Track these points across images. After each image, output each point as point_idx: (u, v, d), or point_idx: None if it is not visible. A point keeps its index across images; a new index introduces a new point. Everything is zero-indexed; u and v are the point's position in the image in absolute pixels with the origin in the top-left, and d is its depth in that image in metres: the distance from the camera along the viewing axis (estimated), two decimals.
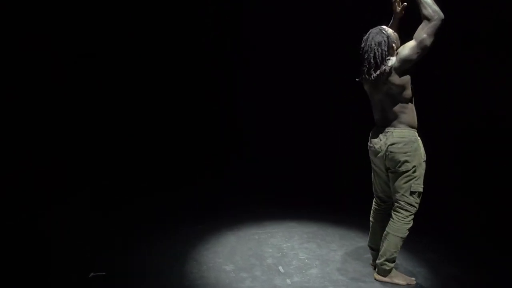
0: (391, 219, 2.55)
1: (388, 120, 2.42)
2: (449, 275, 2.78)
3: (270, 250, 3.16)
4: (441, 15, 2.19)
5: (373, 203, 2.76)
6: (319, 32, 5.18)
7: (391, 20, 2.56)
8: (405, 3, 2.44)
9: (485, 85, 3.95)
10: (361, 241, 3.34)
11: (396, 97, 2.36)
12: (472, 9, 3.73)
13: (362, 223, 3.65)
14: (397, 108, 2.37)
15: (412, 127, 2.41)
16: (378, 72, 2.30)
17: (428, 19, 2.20)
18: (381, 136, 2.44)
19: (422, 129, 2.48)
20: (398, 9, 2.47)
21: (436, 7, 2.20)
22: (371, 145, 2.53)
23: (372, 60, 2.31)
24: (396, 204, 2.51)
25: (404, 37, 2.40)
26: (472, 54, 4.00)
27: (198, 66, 5.56)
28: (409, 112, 2.40)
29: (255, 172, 5.29)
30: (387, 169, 2.49)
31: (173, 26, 5.36)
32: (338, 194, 4.62)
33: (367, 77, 2.37)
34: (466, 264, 2.94)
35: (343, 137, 5.16)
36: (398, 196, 2.47)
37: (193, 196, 4.53)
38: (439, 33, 2.20)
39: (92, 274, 2.73)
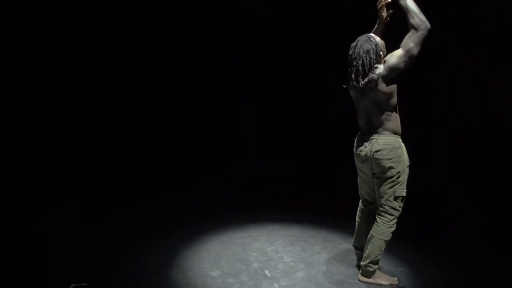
0: (375, 222, 2.61)
1: (373, 127, 2.47)
2: (430, 275, 2.87)
3: (255, 254, 3.17)
4: (428, 25, 2.25)
5: (360, 203, 2.83)
6: (319, 32, 5.23)
7: (376, 26, 2.62)
8: (391, 10, 2.50)
9: (485, 85, 3.96)
10: (343, 243, 3.41)
11: (382, 104, 2.41)
12: (472, 9, 3.71)
13: (344, 226, 3.75)
14: (382, 115, 2.42)
15: (396, 133, 2.47)
16: (366, 80, 2.35)
17: (415, 29, 2.26)
18: (366, 143, 2.49)
19: (422, 131, 2.54)
20: (384, 15, 2.52)
21: (423, 17, 2.26)
22: (356, 152, 2.58)
23: (360, 68, 2.35)
24: (381, 208, 2.57)
25: (389, 43, 2.47)
26: (472, 54, 3.98)
27: (198, 66, 5.57)
28: (394, 120, 2.45)
29: (247, 174, 5.35)
30: (373, 174, 2.54)
31: (173, 26, 5.36)
32: (321, 197, 4.69)
33: (354, 84, 2.41)
34: (447, 264, 3.03)
35: (341, 139, 5.19)
36: (382, 200, 2.53)
37: (178, 201, 4.49)
38: (426, 42, 2.26)
39: (73, 285, 2.65)
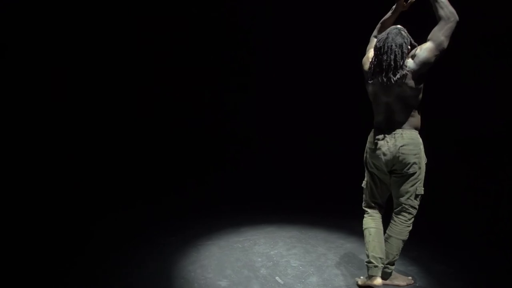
0: (392, 221, 2.51)
1: (395, 123, 2.34)
2: (441, 271, 2.83)
3: (260, 259, 2.98)
4: (457, 17, 2.16)
5: (370, 213, 2.57)
6: (318, 33, 5.09)
7: (389, 13, 2.50)
8: None
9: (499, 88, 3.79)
10: (346, 243, 3.31)
11: (409, 100, 2.29)
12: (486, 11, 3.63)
13: (342, 225, 3.67)
14: (407, 111, 2.31)
15: (417, 129, 2.37)
16: (398, 75, 2.20)
17: (445, 20, 2.16)
18: (387, 138, 2.34)
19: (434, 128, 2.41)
20: (405, 4, 2.42)
21: (452, 8, 2.16)
22: (374, 147, 2.41)
23: (392, 63, 2.20)
24: (400, 208, 2.46)
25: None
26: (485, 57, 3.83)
27: (192, 70, 5.28)
28: (417, 116, 2.36)
29: (235, 176, 5.12)
30: (392, 172, 2.42)
31: (167, 27, 5.07)
32: (314, 197, 4.58)
33: (384, 79, 2.24)
34: (456, 261, 2.99)
35: (330, 139, 5.11)
36: (403, 199, 2.42)
37: (166, 207, 4.19)
38: (453, 35, 2.18)
39: None
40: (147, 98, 5.12)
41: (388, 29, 2.30)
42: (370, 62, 2.36)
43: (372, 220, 2.54)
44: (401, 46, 2.21)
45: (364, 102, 2.70)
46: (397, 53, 2.19)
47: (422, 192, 2.41)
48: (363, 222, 2.57)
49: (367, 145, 2.51)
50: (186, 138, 5.35)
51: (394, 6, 2.51)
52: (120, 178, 4.75)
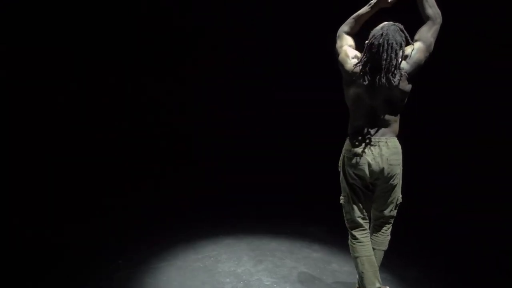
0: (374, 234, 2.36)
1: (379, 129, 2.15)
2: (415, 279, 2.78)
3: (228, 279, 2.65)
4: (441, 19, 2.07)
5: (362, 236, 2.27)
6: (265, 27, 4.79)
7: (367, 7, 2.21)
8: None
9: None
10: (311, 252, 3.14)
11: (396, 104, 2.11)
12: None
13: (303, 232, 3.50)
14: (391, 116, 2.14)
15: (397, 136, 2.21)
16: (397, 76, 2.01)
17: (433, 20, 2.04)
18: (371, 147, 2.14)
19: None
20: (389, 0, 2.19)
21: (438, 9, 2.06)
22: (354, 156, 2.17)
23: (393, 62, 1.99)
24: (381, 220, 2.32)
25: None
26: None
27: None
28: (398, 122, 2.19)
29: (180, 183, 4.61)
30: (373, 183, 2.21)
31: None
32: (266, 203, 4.23)
33: (382, 80, 2.00)
34: (429, 268, 2.94)
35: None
36: (386, 212, 2.27)
37: (100, 226, 3.51)
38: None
39: None
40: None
41: (384, 25, 2.04)
42: (359, 61, 2.11)
43: (362, 247, 2.25)
44: (401, 44, 2.01)
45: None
46: (397, 51, 2.00)
47: (401, 200, 2.30)
48: (353, 249, 2.27)
49: (345, 153, 2.23)
50: (122, 141, 4.74)
51: (373, 1, 2.23)
52: (45, 192, 3.99)
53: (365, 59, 2.07)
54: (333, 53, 2.25)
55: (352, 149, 2.19)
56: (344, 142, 2.26)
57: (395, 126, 2.18)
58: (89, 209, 3.84)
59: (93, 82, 4.61)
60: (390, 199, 2.23)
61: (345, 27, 2.26)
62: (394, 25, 2.03)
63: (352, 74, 2.12)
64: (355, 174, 2.20)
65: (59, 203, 3.85)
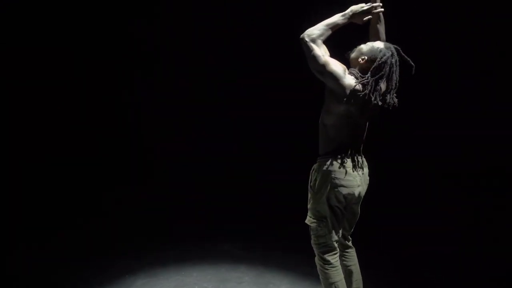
0: (350, 254, 2.28)
1: (358, 148, 2.14)
2: None
3: None
4: None
5: (334, 256, 2.15)
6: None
7: (341, 18, 2.05)
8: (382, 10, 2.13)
9: None
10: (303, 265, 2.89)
11: (373, 122, 2.16)
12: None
13: (261, 253, 3.28)
14: (365, 134, 2.16)
15: None
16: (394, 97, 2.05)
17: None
18: (358, 167, 2.11)
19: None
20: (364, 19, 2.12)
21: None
22: (348, 177, 2.05)
23: (397, 83, 2.02)
24: (347, 234, 2.28)
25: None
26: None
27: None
28: None
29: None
30: (356, 199, 2.15)
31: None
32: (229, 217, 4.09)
33: (392, 99, 2.02)
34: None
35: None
36: (354, 225, 2.28)
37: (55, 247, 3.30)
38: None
39: None
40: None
41: (388, 45, 2.02)
42: (365, 78, 1.98)
43: (336, 272, 2.13)
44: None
45: None
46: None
47: None
48: (326, 275, 2.13)
49: (333, 174, 2.04)
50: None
51: (348, 13, 2.08)
52: None
53: (379, 77, 1.98)
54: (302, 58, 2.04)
55: (342, 169, 2.05)
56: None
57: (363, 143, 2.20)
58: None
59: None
60: (359, 211, 2.23)
61: (317, 32, 2.01)
62: (393, 46, 2.04)
63: (352, 91, 1.97)
64: (344, 196, 2.06)
65: None
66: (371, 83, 1.97)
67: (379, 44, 2.01)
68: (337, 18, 2.05)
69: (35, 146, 4.43)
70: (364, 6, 2.07)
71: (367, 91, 1.96)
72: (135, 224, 3.88)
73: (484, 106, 4.03)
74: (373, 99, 1.98)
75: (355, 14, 2.07)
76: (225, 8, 4.54)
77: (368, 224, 2.24)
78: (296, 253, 3.05)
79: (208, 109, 5.04)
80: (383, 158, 3.60)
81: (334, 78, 1.96)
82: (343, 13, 2.07)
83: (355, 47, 2.09)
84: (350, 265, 2.25)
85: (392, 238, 3.56)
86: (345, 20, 2.06)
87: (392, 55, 1.98)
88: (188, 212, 4.21)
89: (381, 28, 2.15)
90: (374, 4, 2.09)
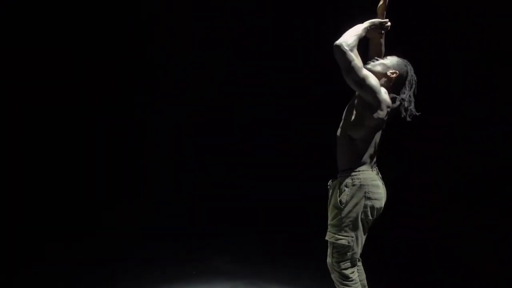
0: (359, 263, 2.22)
1: (376, 160, 2.16)
2: None
3: None
4: None
5: (354, 270, 2.12)
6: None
7: (362, 32, 1.99)
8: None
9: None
10: None
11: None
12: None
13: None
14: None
15: None
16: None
17: None
18: (381, 179, 2.15)
19: None
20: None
21: None
22: (379, 190, 2.06)
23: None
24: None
25: None
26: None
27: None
28: None
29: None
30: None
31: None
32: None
33: (413, 111, 2.07)
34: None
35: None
36: None
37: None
38: None
39: None
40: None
41: (405, 61, 2.13)
42: (402, 93, 2.07)
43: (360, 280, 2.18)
44: None
45: None
46: None
47: None
48: None
49: (367, 188, 2.00)
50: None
51: (367, 25, 2.02)
52: None
53: (411, 91, 2.09)
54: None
55: (375, 182, 2.05)
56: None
57: None
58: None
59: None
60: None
61: (353, 41, 1.93)
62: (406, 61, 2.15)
63: (387, 105, 2.02)
64: (376, 209, 2.05)
65: None
66: (408, 97, 2.05)
67: (400, 59, 2.11)
68: (360, 29, 1.98)
69: (33, 148, 4.40)
70: (382, 20, 2.07)
71: (405, 104, 2.04)
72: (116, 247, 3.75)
73: (484, 106, 4.02)
74: (410, 112, 2.06)
75: (373, 28, 2.06)
76: (225, 8, 4.53)
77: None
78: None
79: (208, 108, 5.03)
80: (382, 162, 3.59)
81: (373, 92, 1.92)
82: (362, 25, 2.01)
83: (372, 60, 2.09)
84: (363, 279, 2.21)
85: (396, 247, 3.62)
86: (365, 32, 2.01)
87: (411, 70, 2.10)
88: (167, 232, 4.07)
89: (383, 41, 2.19)
90: (387, 20, 2.10)
